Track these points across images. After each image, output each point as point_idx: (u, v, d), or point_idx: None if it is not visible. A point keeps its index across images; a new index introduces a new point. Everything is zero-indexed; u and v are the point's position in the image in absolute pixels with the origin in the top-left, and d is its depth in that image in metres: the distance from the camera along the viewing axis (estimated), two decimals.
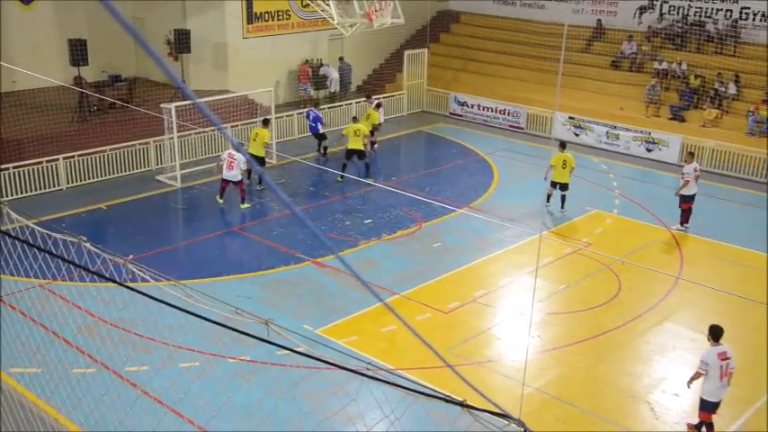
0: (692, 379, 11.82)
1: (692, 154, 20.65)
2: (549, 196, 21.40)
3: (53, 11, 26.64)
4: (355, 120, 24.45)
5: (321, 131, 25.08)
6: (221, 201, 20.74)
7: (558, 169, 20.82)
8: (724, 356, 11.43)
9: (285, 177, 23.46)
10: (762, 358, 14.34)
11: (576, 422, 12.56)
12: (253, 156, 21.31)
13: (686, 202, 19.93)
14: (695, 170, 19.95)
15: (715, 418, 12.09)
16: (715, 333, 11.64)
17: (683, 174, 20.01)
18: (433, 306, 15.90)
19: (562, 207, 21.22)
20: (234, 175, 20.17)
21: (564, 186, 20.99)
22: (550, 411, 12.69)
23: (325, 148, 25.21)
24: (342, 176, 22.27)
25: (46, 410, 12.06)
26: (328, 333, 14.47)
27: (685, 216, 20.03)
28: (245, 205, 20.60)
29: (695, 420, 12.07)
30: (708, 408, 11.62)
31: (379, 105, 26.25)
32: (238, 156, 19.68)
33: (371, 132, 24.77)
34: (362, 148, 22.95)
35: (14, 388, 12.68)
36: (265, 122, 22.67)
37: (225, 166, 20.12)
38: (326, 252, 17.88)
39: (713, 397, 11.55)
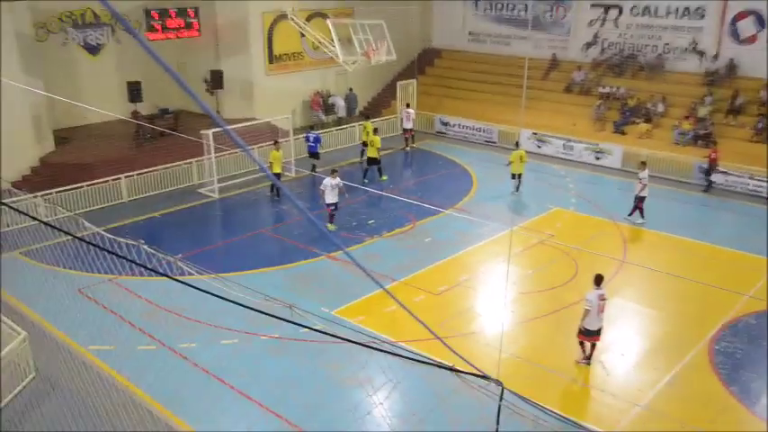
0: (584, 316, 12.60)
1: (644, 163, 20.66)
2: (517, 187, 22.69)
3: (114, 58, 26.87)
4: (376, 131, 24.39)
5: (317, 151, 24.68)
6: (332, 227, 19.28)
7: (516, 163, 22.31)
8: (602, 297, 12.53)
9: (301, 188, 23.48)
10: (689, 324, 14.38)
11: (543, 380, 12.59)
12: (274, 173, 21.56)
13: (641, 201, 20.06)
14: (647, 176, 20.13)
15: (648, 372, 12.40)
16: (597, 280, 12.71)
17: (639, 179, 20.04)
18: (426, 289, 15.91)
19: (517, 190, 22.71)
20: (332, 197, 18.97)
21: (520, 175, 22.60)
22: (522, 372, 12.71)
23: (314, 166, 24.48)
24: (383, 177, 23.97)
25: (118, 379, 12.12)
26: (342, 314, 14.48)
27: (638, 211, 20.15)
28: (332, 227, 19.24)
29: (581, 355, 12.91)
30: (586, 334, 12.69)
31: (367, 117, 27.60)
32: (334, 181, 18.84)
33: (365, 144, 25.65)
34: (377, 156, 23.86)
35: (93, 361, 12.75)
36: (275, 143, 22.49)
37: (326, 192, 18.99)
38: (337, 248, 17.95)
39: (592, 326, 12.60)
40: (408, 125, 28.60)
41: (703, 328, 14.18)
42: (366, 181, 23.71)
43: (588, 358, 12.87)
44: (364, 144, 25.86)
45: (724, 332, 14.09)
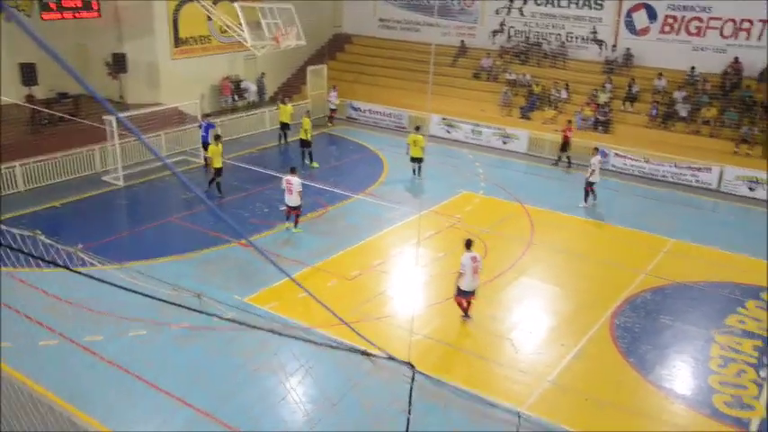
0: (458, 278, 13.37)
1: (596, 149, 21.36)
2: (414, 171, 22.85)
3: (4, 37, 25.09)
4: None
5: (210, 142, 23.24)
6: (288, 225, 18.16)
7: (412, 147, 22.54)
8: (475, 260, 13.29)
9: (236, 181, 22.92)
10: (592, 301, 14.95)
11: (454, 360, 12.81)
12: (214, 168, 20.53)
13: (591, 186, 20.73)
14: (599, 161, 20.83)
15: (555, 348, 12.78)
16: (467, 244, 13.48)
17: (591, 164, 20.65)
18: (339, 274, 15.85)
19: (419, 176, 22.84)
20: (294, 199, 17.65)
21: (418, 160, 22.61)
22: (435, 353, 12.87)
23: (206, 159, 23.13)
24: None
25: (16, 377, 11.46)
26: (254, 301, 14.23)
27: (591, 195, 20.83)
28: (298, 230, 18.04)
29: (459, 313, 13.78)
30: (462, 294, 13.51)
31: (283, 101, 27.26)
32: (294, 180, 17.52)
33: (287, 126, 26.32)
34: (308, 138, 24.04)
35: None
36: (216, 138, 21.21)
37: (285, 193, 17.75)
38: (249, 234, 17.62)
39: (468, 287, 13.40)
40: (333, 106, 30.04)
41: (605, 305, 14.77)
42: (306, 163, 23.95)
43: (466, 313, 13.84)
44: (283, 127, 26.12)
45: (624, 308, 14.72)
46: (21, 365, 11.69)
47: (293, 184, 17.55)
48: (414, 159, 22.65)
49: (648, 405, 11.55)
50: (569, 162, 24.92)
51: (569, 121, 25.51)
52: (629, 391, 11.91)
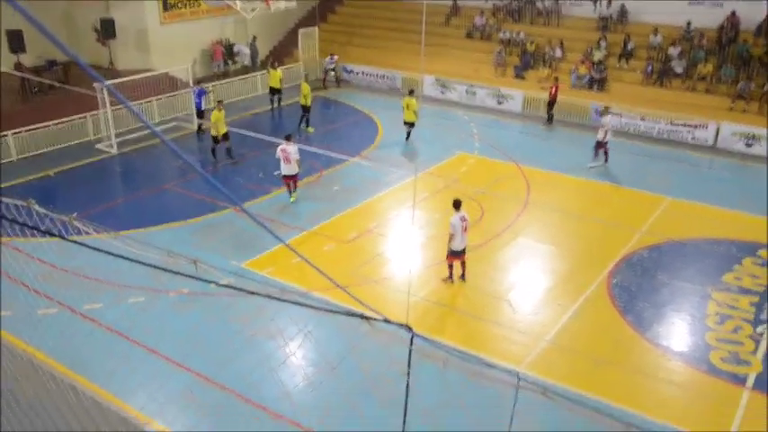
0: (449, 240, 13.38)
1: (607, 108, 21.15)
2: (408, 134, 22.54)
3: None
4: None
5: (203, 108, 23.61)
6: (293, 198, 17.62)
7: (405, 110, 22.22)
8: (463, 219, 13.35)
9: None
10: (589, 260, 14.98)
11: (452, 321, 12.87)
12: (219, 135, 20.25)
13: (602, 146, 20.56)
14: (610, 122, 20.72)
15: (552, 307, 12.83)
16: (456, 204, 13.46)
17: (602, 123, 20.49)
18: (336, 238, 15.83)
19: (407, 139, 22.59)
20: (292, 168, 17.12)
21: (410, 124, 22.32)
22: (433, 314, 12.93)
23: (200, 126, 23.46)
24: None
25: (17, 344, 11.48)
26: (251, 266, 14.23)
27: (602, 156, 20.69)
28: (293, 198, 17.64)
29: (446, 274, 13.85)
30: (454, 254, 13.57)
31: (273, 65, 26.82)
32: (290, 148, 16.92)
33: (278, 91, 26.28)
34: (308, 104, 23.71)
35: None
36: (219, 103, 20.87)
37: (282, 162, 17.14)
38: (244, 200, 17.55)
39: (457, 247, 13.45)
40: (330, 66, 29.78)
41: (602, 264, 14.80)
42: (302, 128, 23.73)
43: (462, 276, 13.86)
44: (272, 92, 26.01)
45: (620, 266, 14.76)
46: (21, 333, 11.69)
47: (290, 153, 16.98)
48: (406, 123, 22.42)
49: (646, 362, 11.64)
50: (551, 119, 24.94)
51: (556, 78, 25.40)
52: (627, 349, 11.99)
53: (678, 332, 12.55)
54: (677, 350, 11.98)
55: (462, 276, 13.91)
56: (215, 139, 20.39)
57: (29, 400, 10.16)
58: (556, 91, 24.72)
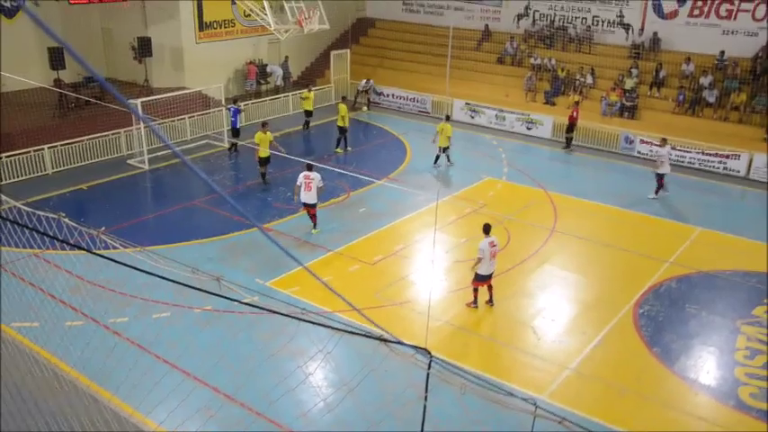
0: (475, 264, 13.34)
1: (664, 139, 20.65)
2: (437, 157, 22.43)
3: (33, 23, 25.26)
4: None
5: (238, 126, 23.73)
6: (316, 231, 17.12)
7: (439, 135, 22.15)
8: (493, 244, 13.28)
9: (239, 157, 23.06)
10: (615, 289, 14.79)
11: (476, 346, 12.77)
12: (260, 157, 19.95)
13: (660, 178, 20.14)
14: (668, 153, 20.27)
15: (576, 336, 12.56)
16: (485, 228, 13.45)
17: (658, 155, 20.19)
18: (361, 259, 15.85)
19: (435, 164, 22.48)
20: (312, 196, 16.59)
21: (444, 149, 22.27)
22: (456, 339, 12.85)
23: (235, 145, 23.60)
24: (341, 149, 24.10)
25: (42, 354, 11.66)
26: (276, 285, 14.31)
27: (659, 188, 20.22)
28: (316, 231, 17.13)
29: (471, 299, 13.74)
30: (480, 279, 13.49)
31: (309, 88, 27.05)
32: (314, 175, 16.46)
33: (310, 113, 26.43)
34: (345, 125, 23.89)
35: (15, 338, 12.22)
36: (263, 125, 20.22)
37: (303, 189, 16.54)
38: (271, 219, 17.69)
39: (485, 272, 13.37)
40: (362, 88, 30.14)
41: (628, 293, 14.61)
42: (338, 151, 23.98)
43: (490, 301, 13.86)
44: (307, 114, 26.15)
45: (647, 296, 14.55)
46: (47, 344, 11.89)
47: (313, 180, 16.50)
48: (439, 148, 22.29)
49: (672, 395, 11.42)
50: (568, 143, 24.80)
51: (576, 102, 25.32)
52: (653, 381, 11.77)
53: (706, 366, 12.29)
54: (705, 384, 11.73)
55: (490, 301, 13.84)
56: (260, 162, 20.13)
57: (50, 410, 10.28)
58: (576, 114, 24.58)
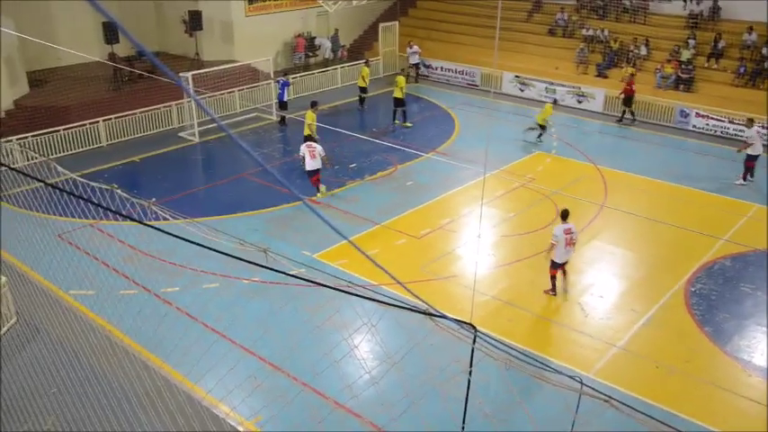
0: (548, 249, 12.92)
1: (751, 120, 19.69)
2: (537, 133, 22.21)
3: None
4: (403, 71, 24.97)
5: (285, 100, 23.75)
6: (320, 195, 17.50)
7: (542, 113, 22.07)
8: (569, 231, 12.73)
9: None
10: (666, 266, 14.47)
11: (522, 321, 12.67)
12: (305, 136, 18.98)
13: (751, 160, 19.10)
14: (758, 133, 19.27)
15: (625, 313, 12.43)
16: (563, 214, 12.95)
17: (746, 136, 19.40)
18: (407, 233, 15.84)
19: (539, 138, 22.26)
20: (317, 162, 17.15)
21: (542, 126, 22.11)
22: (502, 314, 12.77)
23: (283, 119, 23.68)
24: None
25: (98, 322, 12.06)
26: (323, 257, 14.42)
27: (748, 172, 19.20)
28: (323, 192, 17.63)
29: (549, 287, 13.25)
30: (556, 266, 13.02)
31: (367, 63, 26.50)
32: (317, 145, 17.35)
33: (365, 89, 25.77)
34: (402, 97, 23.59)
35: (72, 305, 12.66)
36: (313, 105, 19.67)
37: (307, 157, 17.14)
38: (298, 198, 17.71)
39: (560, 259, 12.90)
40: (414, 60, 29.55)
41: (680, 271, 14.27)
42: (396, 122, 23.79)
43: (564, 289, 13.25)
44: (362, 90, 25.59)
45: (700, 274, 14.19)
46: (102, 311, 12.28)
47: (316, 149, 17.12)
48: (538, 125, 22.09)
49: (723, 376, 11.16)
50: (633, 118, 24.17)
51: (632, 75, 24.62)
52: (703, 361, 11.52)
53: (760, 347, 11.95)
54: (758, 365, 11.42)
55: (564, 289, 13.26)
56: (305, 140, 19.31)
57: (106, 375, 10.63)
58: (632, 86, 23.90)
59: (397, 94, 23.50)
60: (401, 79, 23.62)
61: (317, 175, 17.52)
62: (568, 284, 13.32)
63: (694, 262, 14.63)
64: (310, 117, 19.04)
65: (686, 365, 11.34)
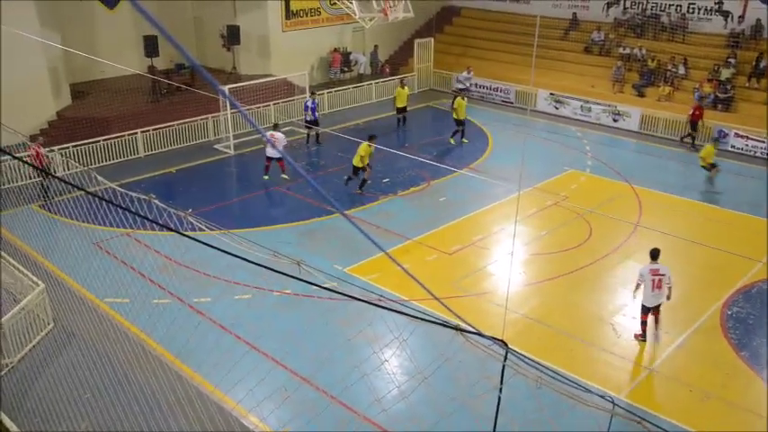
0: (635, 289, 12.39)
1: None
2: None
3: (131, 11, 26.36)
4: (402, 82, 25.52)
5: (317, 117, 23.60)
6: (267, 177, 19.69)
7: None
8: (656, 272, 12.04)
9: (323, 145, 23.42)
10: (702, 288, 14.23)
11: (553, 341, 12.55)
12: (354, 166, 18.86)
13: None
14: None
15: (659, 334, 12.13)
16: (653, 254, 12.34)
17: None
18: (439, 249, 15.84)
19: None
20: (278, 151, 18.54)
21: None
22: (533, 332, 12.68)
23: (318, 135, 23.72)
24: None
25: (132, 330, 12.25)
26: (354, 271, 14.47)
27: None
28: (285, 176, 19.65)
29: (639, 330, 12.50)
30: (645, 311, 12.31)
31: (402, 84, 26.17)
32: (279, 135, 19.20)
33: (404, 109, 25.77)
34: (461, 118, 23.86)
35: (108, 313, 12.88)
36: (370, 138, 19.05)
37: (269, 146, 19.45)
38: (352, 206, 17.88)
39: (648, 303, 12.22)
40: (464, 85, 29.69)
41: (716, 293, 14.03)
42: (452, 142, 23.81)
43: (656, 336, 12.41)
44: (398, 111, 25.56)
45: (737, 298, 13.93)
46: (136, 320, 12.47)
47: (278, 139, 18.87)
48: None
49: (760, 402, 10.91)
50: (693, 143, 23.68)
51: (702, 97, 24.21)
52: (739, 387, 11.28)
53: None
54: None
55: (656, 336, 12.44)
56: (355, 170, 19.09)
57: (139, 382, 10.77)
58: (699, 112, 23.52)
59: (460, 116, 23.53)
60: (461, 102, 23.53)
61: (280, 162, 19.42)
62: (660, 330, 12.58)
63: (731, 285, 14.37)
64: (364, 149, 18.64)
65: (722, 390, 11.12)
